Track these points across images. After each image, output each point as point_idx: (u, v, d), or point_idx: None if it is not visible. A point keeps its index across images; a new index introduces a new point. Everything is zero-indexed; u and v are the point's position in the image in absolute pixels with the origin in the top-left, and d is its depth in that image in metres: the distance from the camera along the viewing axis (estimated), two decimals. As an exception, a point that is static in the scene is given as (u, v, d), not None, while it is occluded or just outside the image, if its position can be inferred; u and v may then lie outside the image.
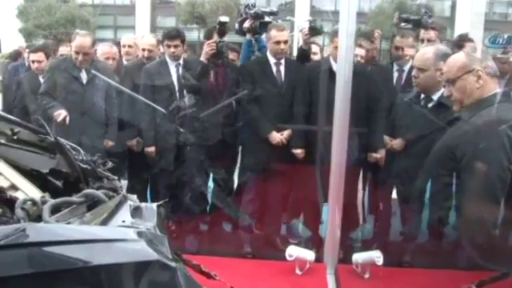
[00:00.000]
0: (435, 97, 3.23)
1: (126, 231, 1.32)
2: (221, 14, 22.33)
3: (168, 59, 4.24)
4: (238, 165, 4.43)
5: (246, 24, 4.27)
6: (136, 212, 1.58)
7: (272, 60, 4.06)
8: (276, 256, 3.43)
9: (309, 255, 3.22)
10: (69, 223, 1.39)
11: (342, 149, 3.22)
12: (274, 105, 3.99)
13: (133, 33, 21.56)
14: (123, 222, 1.43)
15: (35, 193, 1.98)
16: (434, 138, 2.83)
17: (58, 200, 1.66)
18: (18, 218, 1.43)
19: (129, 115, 4.17)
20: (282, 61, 4.07)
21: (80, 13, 22.62)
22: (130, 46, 4.94)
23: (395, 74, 4.11)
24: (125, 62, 4.87)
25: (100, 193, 1.71)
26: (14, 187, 1.97)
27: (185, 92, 4.21)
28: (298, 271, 3.21)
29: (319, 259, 3.34)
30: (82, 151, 2.30)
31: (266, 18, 4.30)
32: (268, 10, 4.45)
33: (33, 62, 4.97)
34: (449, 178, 2.67)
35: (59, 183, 2.13)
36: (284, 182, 4.01)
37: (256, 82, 4.02)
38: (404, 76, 4.06)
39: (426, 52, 3.14)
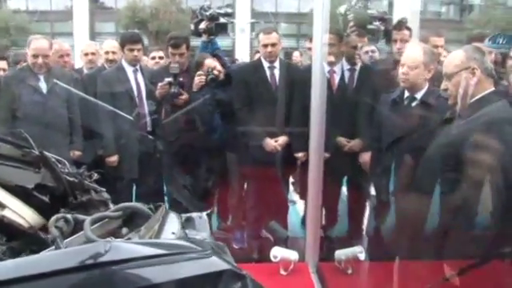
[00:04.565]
0: (418, 95, 3.25)
1: (190, 243, 1.28)
2: (162, 17, 22.11)
3: (125, 65, 4.13)
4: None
5: (202, 25, 4.26)
6: (188, 223, 1.53)
7: (266, 64, 4.00)
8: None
9: (292, 255, 3.23)
10: (129, 239, 1.33)
11: (319, 148, 3.25)
12: (268, 109, 3.92)
13: (72, 39, 20.98)
14: (173, 233, 1.38)
15: (24, 210, 1.89)
16: (418, 137, 2.93)
17: (96, 216, 1.61)
18: (54, 237, 1.35)
19: (93, 123, 4.04)
20: (276, 64, 4.01)
21: (14, 20, 21.70)
22: (93, 54, 4.76)
23: (346, 74, 4.09)
24: (85, 71, 4.69)
25: (140, 205, 1.64)
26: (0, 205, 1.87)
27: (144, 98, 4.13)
28: (282, 272, 3.21)
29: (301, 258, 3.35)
30: (67, 164, 2.21)
31: (222, 20, 4.30)
32: (223, 11, 4.44)
33: None
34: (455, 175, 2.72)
35: (46, 198, 2.04)
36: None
37: (249, 86, 3.96)
38: (356, 75, 4.08)
39: (416, 50, 3.20)
